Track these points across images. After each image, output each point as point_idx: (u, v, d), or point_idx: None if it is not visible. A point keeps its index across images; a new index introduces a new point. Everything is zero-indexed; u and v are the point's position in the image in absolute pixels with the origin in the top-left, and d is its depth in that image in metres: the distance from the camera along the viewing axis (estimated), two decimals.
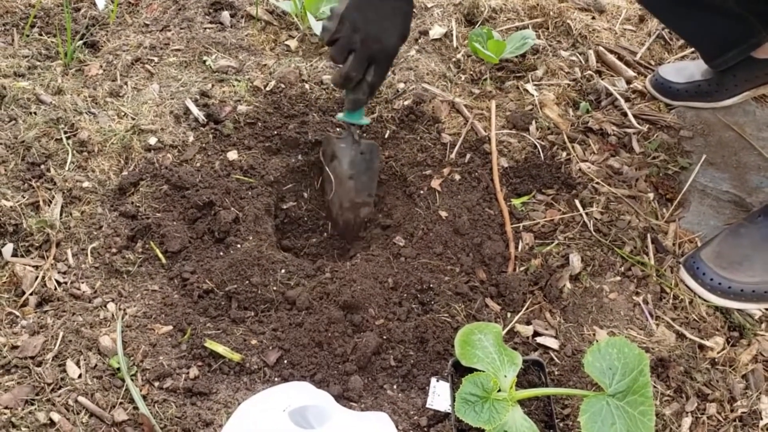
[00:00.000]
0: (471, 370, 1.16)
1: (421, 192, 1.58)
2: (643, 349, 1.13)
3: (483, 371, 1.14)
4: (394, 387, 1.26)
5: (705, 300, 1.39)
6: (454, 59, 1.88)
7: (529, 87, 1.81)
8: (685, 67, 1.79)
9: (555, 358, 1.30)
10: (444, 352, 1.30)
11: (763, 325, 1.37)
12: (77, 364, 1.23)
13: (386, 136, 1.70)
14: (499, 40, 1.82)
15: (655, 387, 1.25)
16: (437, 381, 1.25)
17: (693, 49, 1.91)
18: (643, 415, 1.05)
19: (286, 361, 1.27)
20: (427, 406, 1.22)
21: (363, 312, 1.33)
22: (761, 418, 1.24)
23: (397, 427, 1.15)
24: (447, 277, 1.41)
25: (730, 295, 1.38)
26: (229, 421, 1.04)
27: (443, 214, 1.52)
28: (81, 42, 1.85)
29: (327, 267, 1.42)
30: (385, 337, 1.30)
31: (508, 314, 1.37)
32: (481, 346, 1.18)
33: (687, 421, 1.22)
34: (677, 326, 1.36)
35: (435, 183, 1.59)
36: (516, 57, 1.88)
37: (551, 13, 2.02)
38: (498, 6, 2.04)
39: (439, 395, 1.23)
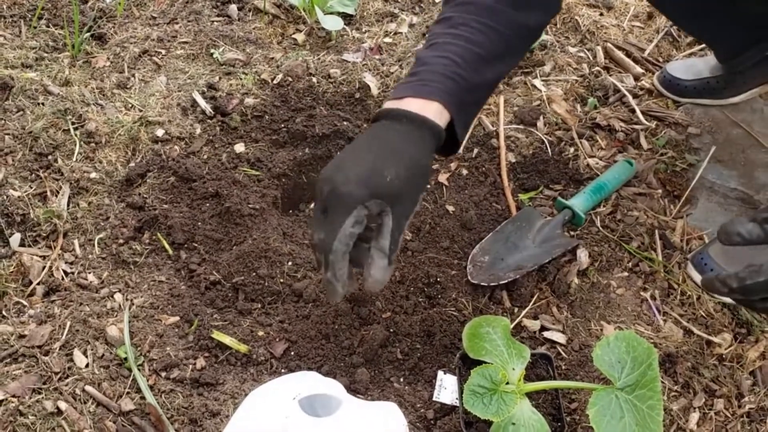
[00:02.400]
0: (478, 363, 1.15)
1: (428, 186, 1.57)
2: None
3: (491, 364, 1.14)
4: (401, 380, 1.26)
5: (712, 296, 1.39)
6: None
7: (537, 82, 1.80)
8: (694, 64, 1.78)
9: (562, 353, 1.30)
10: (450, 345, 1.29)
11: None
12: (84, 353, 1.23)
13: None
14: None
15: (662, 382, 1.24)
16: (444, 374, 1.25)
17: (702, 46, 1.91)
18: (652, 410, 1.05)
19: (292, 353, 1.27)
20: (434, 399, 1.22)
21: (370, 305, 1.32)
22: None
23: None
24: (454, 271, 1.40)
25: None
26: (238, 410, 1.04)
27: (450, 208, 1.51)
28: (88, 34, 1.85)
29: None
30: (391, 330, 1.30)
31: (516, 309, 1.37)
32: (490, 338, 1.18)
33: (694, 416, 1.22)
34: (685, 322, 1.35)
35: (442, 177, 1.59)
36: None
37: None
38: None
39: (445, 388, 1.23)
